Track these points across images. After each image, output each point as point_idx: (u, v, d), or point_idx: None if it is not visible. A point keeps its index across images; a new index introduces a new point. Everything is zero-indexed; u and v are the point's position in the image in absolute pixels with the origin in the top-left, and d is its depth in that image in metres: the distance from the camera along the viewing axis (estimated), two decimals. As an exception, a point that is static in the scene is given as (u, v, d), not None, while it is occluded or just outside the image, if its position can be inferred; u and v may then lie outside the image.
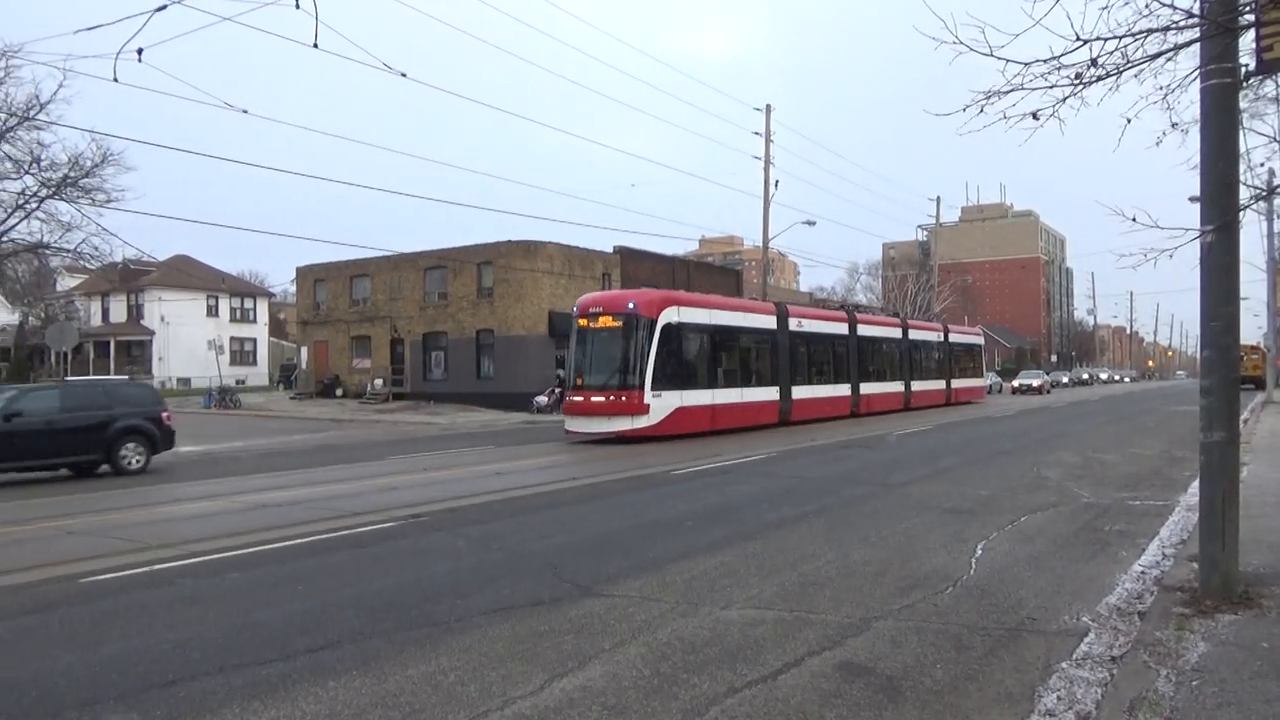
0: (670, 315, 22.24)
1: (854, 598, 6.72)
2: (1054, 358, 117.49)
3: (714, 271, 61.15)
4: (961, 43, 5.41)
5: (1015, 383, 60.22)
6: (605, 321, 21.96)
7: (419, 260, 41.52)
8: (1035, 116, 5.52)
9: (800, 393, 27.96)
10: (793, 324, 28.11)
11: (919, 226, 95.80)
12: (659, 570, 7.69)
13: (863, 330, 33.14)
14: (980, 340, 46.74)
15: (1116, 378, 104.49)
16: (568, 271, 40.87)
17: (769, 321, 27.20)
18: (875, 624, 6.03)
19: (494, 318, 39.04)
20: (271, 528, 10.39)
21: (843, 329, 31.92)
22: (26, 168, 28.15)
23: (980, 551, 8.36)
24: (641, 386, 21.38)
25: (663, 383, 21.70)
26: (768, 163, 40.70)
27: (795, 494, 12.44)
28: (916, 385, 37.21)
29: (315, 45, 13.40)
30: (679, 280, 50.11)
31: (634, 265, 46.24)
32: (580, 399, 22.00)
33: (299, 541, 9.46)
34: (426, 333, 41.54)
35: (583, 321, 22.39)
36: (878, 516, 10.44)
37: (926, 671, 5.11)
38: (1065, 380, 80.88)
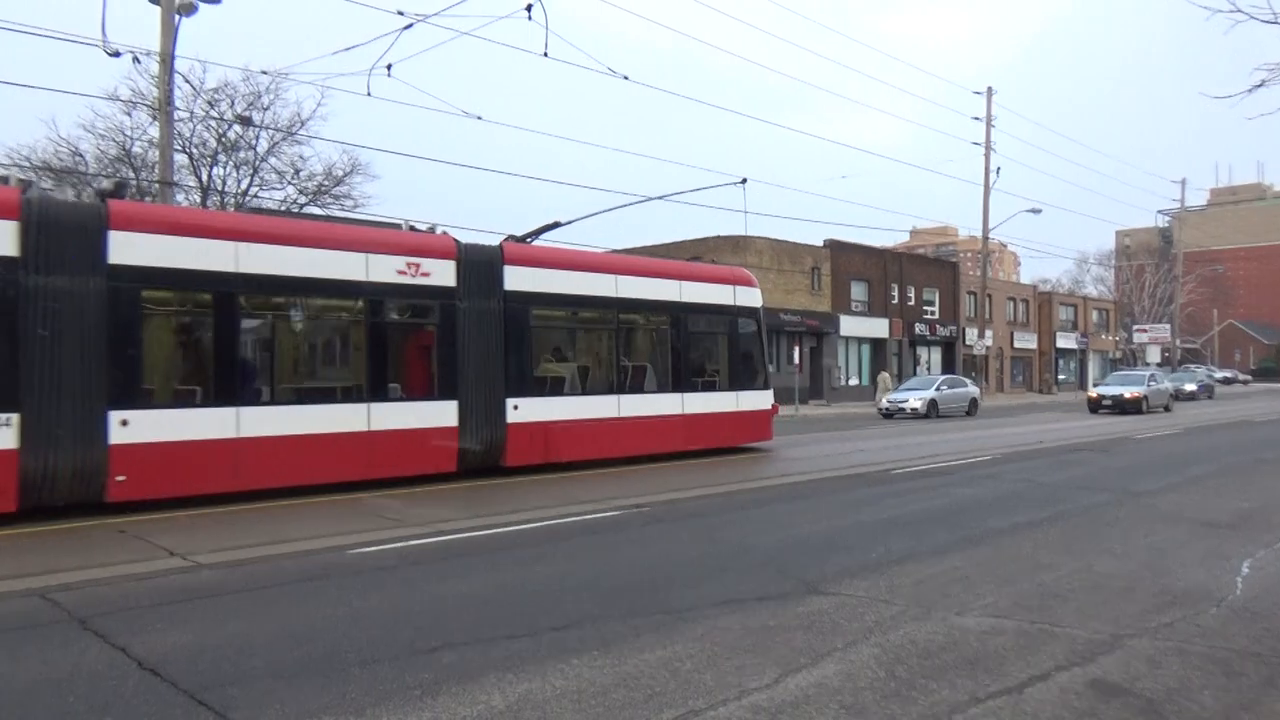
0: None
1: (1102, 612, 6.32)
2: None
3: (928, 264, 58.97)
4: (1240, 10, 4.96)
5: (1093, 391, 37.97)
6: None
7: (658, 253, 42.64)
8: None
9: None
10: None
11: (1159, 212, 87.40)
12: (884, 571, 7.56)
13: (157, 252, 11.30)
14: (721, 296, 17.92)
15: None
16: (776, 266, 40.69)
17: None
18: (1128, 642, 5.65)
19: (702, 312, 39.40)
20: (510, 510, 11.07)
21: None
22: (289, 179, 31.37)
23: (1246, 570, 7.62)
24: None
25: None
26: (988, 148, 38.75)
27: (1024, 499, 11.80)
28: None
29: (545, 54, 14.12)
30: (891, 273, 48.65)
31: (844, 258, 45.34)
32: None
33: (536, 525, 10.04)
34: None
35: None
36: (1120, 526, 9.73)
37: (1192, 697, 4.74)
38: (1189, 388, 48.42)
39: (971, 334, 49.01)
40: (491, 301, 14.09)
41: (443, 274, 13.54)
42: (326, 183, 31.58)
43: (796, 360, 35.31)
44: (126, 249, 10.71)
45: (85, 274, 10.42)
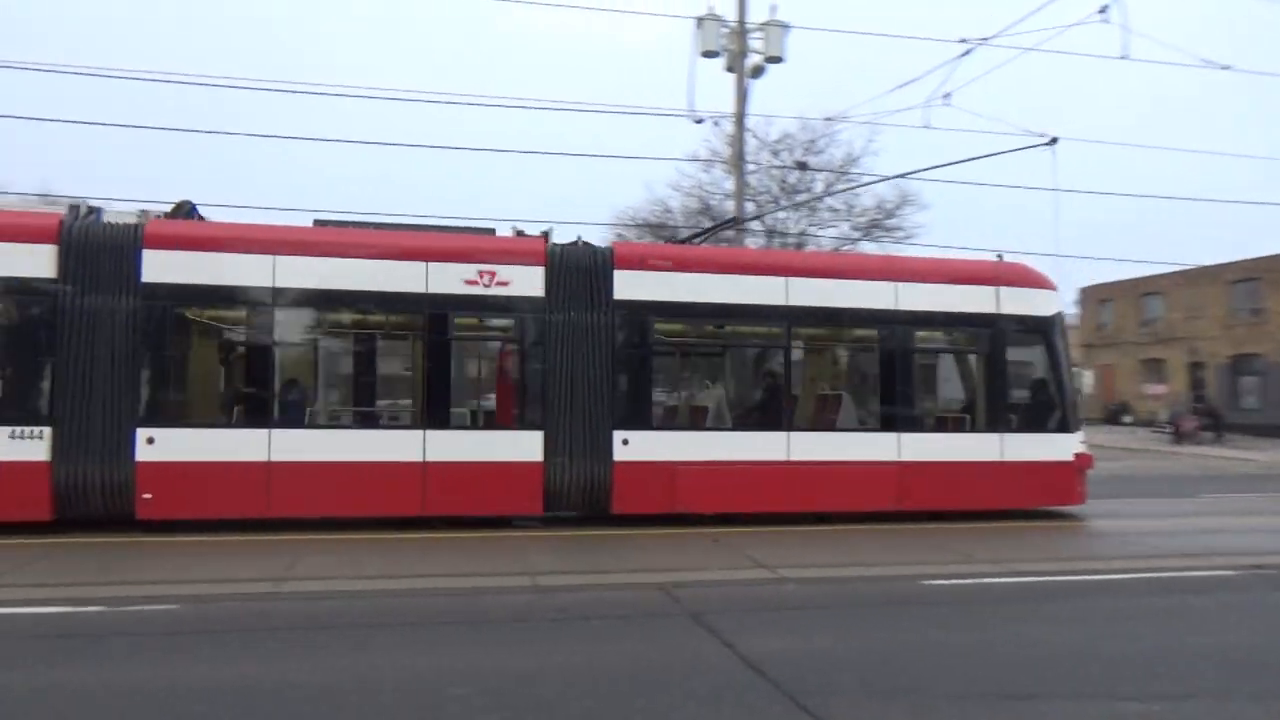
0: None
1: None
2: None
3: None
4: None
5: None
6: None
7: (1223, 273, 36.81)
8: None
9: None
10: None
11: None
12: None
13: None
14: (971, 301, 13.04)
15: None
16: None
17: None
18: None
19: (1327, 336, 32.50)
20: (1076, 557, 10.20)
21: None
22: (844, 216, 32.92)
23: None
24: None
25: None
26: None
27: None
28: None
29: (1124, 56, 12.87)
30: None
31: None
32: None
33: (1117, 576, 9.08)
34: (1234, 355, 36.57)
35: None
36: None
37: None
38: None
39: None
40: (595, 314, 11.72)
41: (526, 282, 11.59)
42: (878, 216, 32.45)
43: None
44: (159, 267, 10.78)
45: (119, 293, 10.66)
